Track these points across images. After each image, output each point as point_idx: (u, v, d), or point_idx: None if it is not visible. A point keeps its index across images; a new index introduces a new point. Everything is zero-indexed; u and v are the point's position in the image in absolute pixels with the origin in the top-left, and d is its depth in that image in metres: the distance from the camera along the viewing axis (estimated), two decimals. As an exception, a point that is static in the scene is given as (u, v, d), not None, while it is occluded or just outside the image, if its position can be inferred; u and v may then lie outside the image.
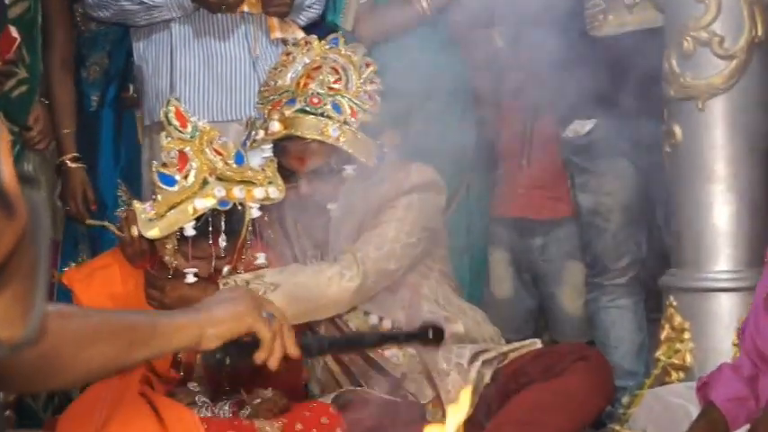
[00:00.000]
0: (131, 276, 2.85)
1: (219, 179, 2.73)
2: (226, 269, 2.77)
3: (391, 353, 2.94)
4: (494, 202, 3.81)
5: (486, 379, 2.93)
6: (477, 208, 3.77)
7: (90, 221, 3.41)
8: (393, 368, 2.95)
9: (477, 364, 2.92)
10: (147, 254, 2.80)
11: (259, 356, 1.75)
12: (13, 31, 3.36)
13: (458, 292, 3.11)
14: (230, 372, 2.73)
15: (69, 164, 3.61)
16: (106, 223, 3.09)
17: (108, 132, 3.67)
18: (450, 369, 2.90)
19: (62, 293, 3.03)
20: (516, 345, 3.04)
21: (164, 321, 1.68)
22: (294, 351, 1.78)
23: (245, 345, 1.76)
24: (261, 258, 2.82)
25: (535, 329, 3.79)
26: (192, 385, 2.83)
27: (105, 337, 1.58)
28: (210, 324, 1.69)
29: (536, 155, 3.71)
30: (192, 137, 2.72)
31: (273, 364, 1.76)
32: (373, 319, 2.96)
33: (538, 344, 3.07)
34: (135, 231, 2.73)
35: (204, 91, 3.41)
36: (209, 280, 2.79)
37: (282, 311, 1.81)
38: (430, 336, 1.97)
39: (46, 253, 1.12)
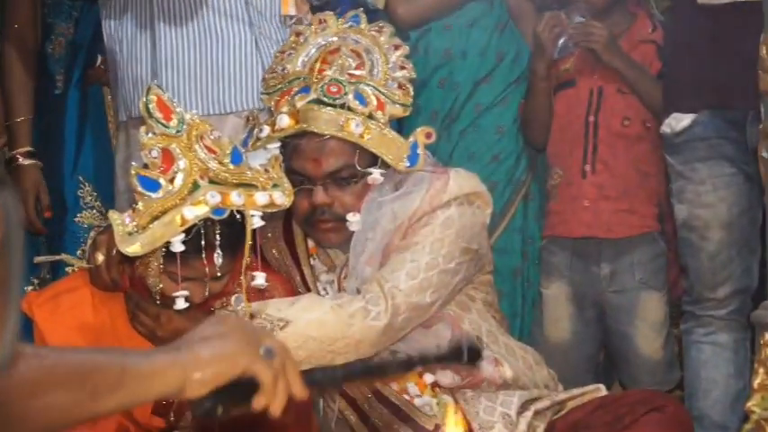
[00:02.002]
0: (105, 303, 2.65)
1: (213, 182, 2.52)
2: (234, 298, 2.60)
3: (423, 401, 2.76)
4: (547, 220, 3.52)
5: (539, 433, 2.78)
6: (536, 225, 3.55)
7: (39, 259, 3.15)
8: (425, 420, 2.75)
9: (528, 414, 2.74)
10: (119, 285, 2.64)
11: (258, 402, 1.61)
12: None
13: (505, 328, 2.92)
14: (223, 423, 2.47)
15: (21, 160, 3.28)
16: (63, 256, 2.88)
17: (72, 119, 3.37)
18: (494, 421, 2.72)
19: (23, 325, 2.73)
20: (576, 392, 2.85)
21: (136, 363, 1.54)
22: (301, 393, 1.64)
23: (240, 389, 1.60)
24: (260, 279, 2.61)
25: (596, 380, 3.40)
26: (180, 436, 2.74)
27: (61, 381, 1.48)
28: (196, 366, 1.54)
29: (603, 157, 3.41)
30: (177, 132, 2.51)
31: (276, 410, 1.62)
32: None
33: (602, 390, 2.87)
34: (100, 259, 2.58)
35: (195, 78, 3.12)
36: (203, 307, 2.59)
37: (285, 346, 1.67)
38: (464, 357, 1.86)
39: (19, 264, 1.13)
